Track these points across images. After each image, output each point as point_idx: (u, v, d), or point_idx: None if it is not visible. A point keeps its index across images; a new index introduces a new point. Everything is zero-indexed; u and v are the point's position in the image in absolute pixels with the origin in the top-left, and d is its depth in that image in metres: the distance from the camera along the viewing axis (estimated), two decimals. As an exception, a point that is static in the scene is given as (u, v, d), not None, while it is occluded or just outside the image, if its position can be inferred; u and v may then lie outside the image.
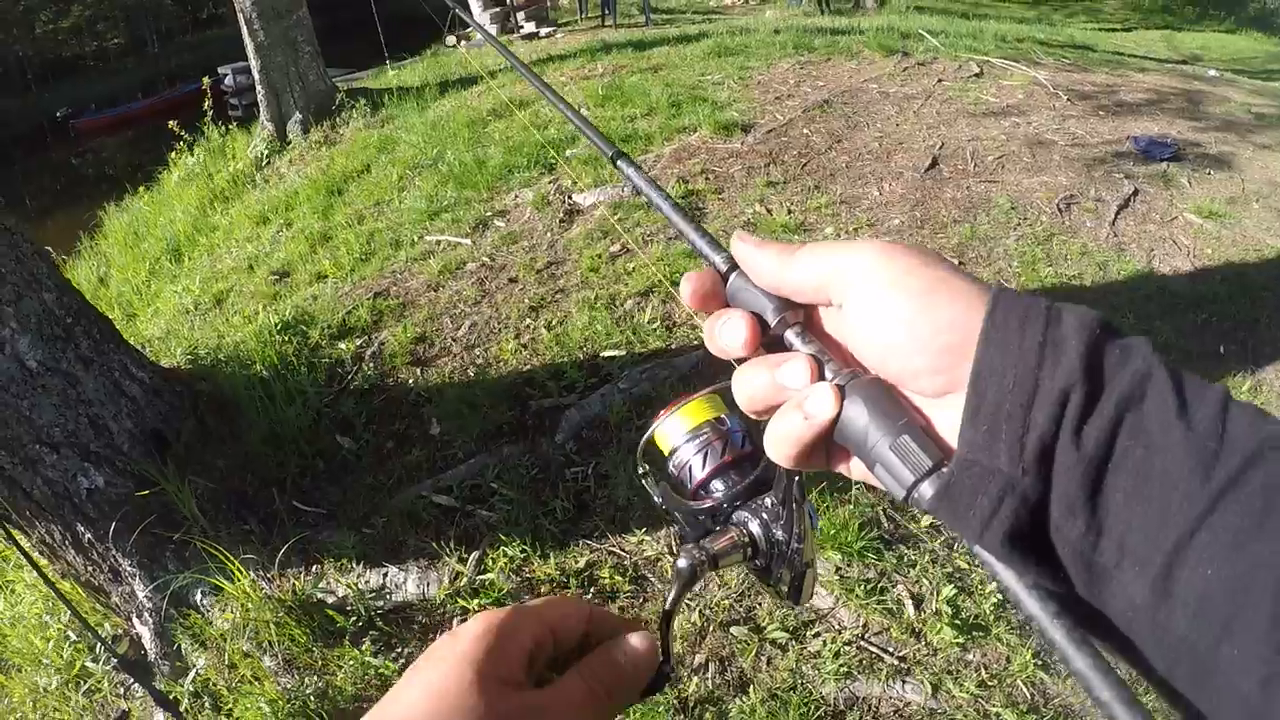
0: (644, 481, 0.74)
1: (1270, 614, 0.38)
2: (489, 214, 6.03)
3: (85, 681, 3.56)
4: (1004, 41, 10.20)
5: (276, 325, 4.85)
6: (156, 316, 6.24)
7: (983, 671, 2.79)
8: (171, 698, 3.10)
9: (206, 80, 10.61)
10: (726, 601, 3.03)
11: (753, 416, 0.57)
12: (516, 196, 6.20)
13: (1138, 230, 5.34)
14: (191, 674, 3.26)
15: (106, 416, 3.59)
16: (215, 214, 8.43)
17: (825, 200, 5.61)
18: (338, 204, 7.10)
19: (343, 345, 4.67)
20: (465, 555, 3.31)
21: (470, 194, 6.36)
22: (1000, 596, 2.97)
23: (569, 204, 5.82)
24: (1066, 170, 6.05)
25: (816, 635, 2.91)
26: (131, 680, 3.45)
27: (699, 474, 0.71)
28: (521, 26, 13.83)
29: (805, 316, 0.56)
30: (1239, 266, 5.00)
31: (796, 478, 0.63)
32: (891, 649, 2.86)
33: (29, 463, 3.36)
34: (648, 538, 3.30)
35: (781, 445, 0.53)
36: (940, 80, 8.14)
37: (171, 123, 10.03)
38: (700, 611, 3.00)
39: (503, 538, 3.31)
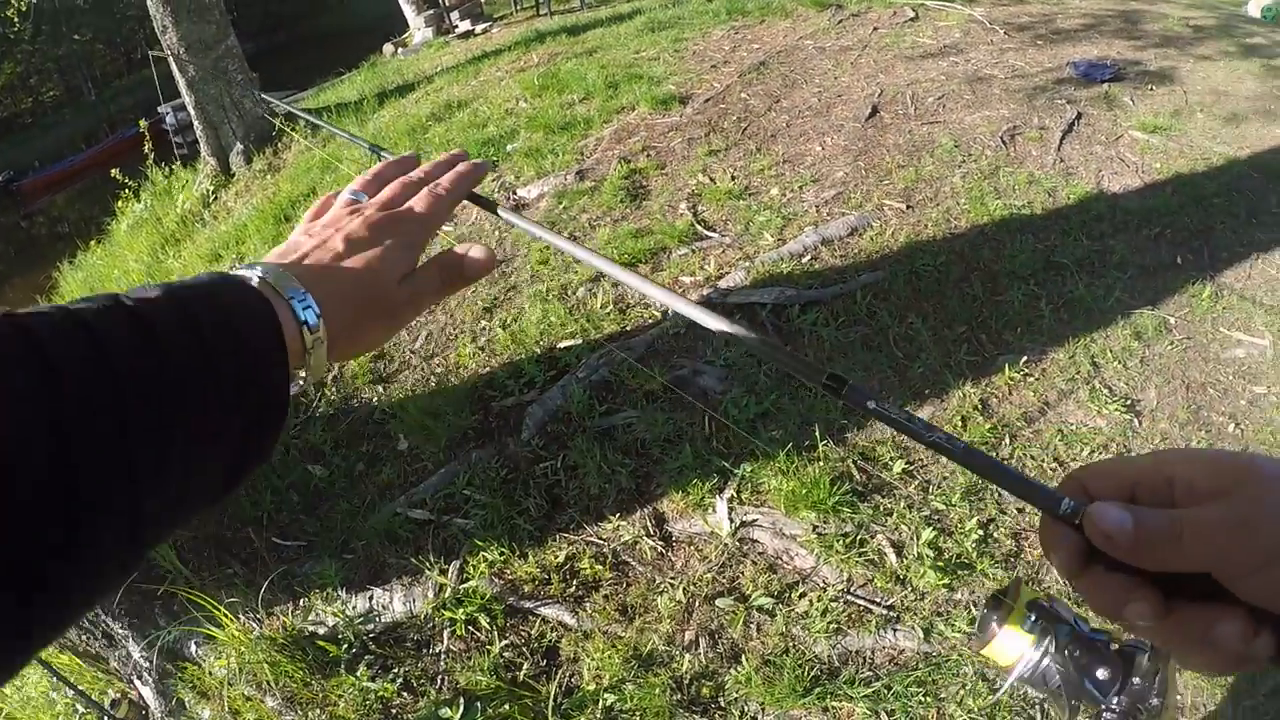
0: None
1: None
2: (436, 220, 5.95)
3: (99, 751, 3.55)
4: (937, -17, 10.14)
5: (235, 362, 4.80)
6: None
7: (972, 609, 2.80)
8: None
9: (143, 123, 10.49)
10: (709, 575, 3.02)
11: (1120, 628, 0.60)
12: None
13: (1084, 153, 5.33)
14: (198, 726, 3.25)
15: (74, 478, 3.54)
16: (168, 257, 8.33)
17: (768, 162, 5.58)
18: (286, 230, 6.98)
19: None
20: (446, 566, 3.29)
21: (416, 203, 6.27)
22: (982, 532, 2.98)
23: (514, 198, 5.77)
24: (1008, 102, 6.03)
25: (802, 596, 2.91)
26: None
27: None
28: (456, 26, 13.68)
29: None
30: (1188, 177, 4.99)
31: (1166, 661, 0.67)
32: (879, 599, 2.86)
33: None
34: (623, 522, 3.28)
35: (1208, 673, 0.60)
36: (875, 29, 8.08)
37: (114, 171, 9.92)
38: (684, 588, 2.99)
39: (480, 543, 3.29)
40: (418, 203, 0.82)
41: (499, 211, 0.92)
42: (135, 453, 0.50)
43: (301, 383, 0.69)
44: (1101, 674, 0.77)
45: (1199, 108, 5.86)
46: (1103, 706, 0.76)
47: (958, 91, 6.28)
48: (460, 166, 0.89)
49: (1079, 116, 5.74)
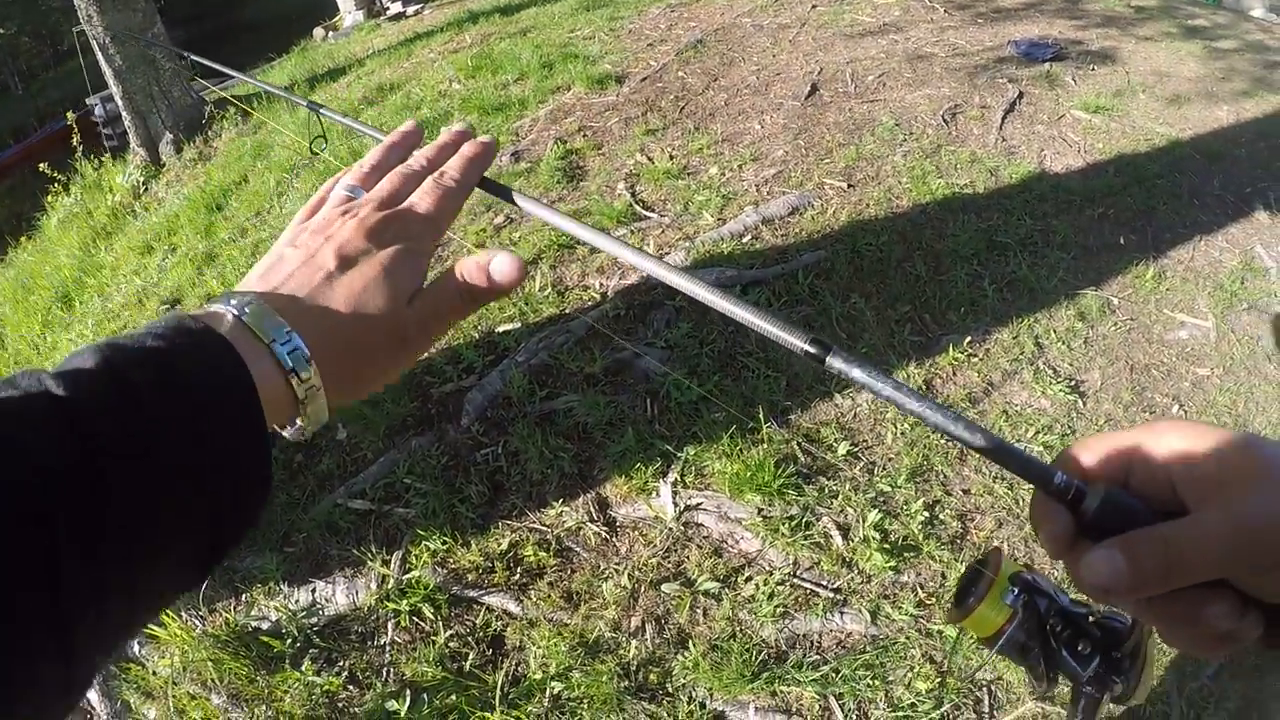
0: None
1: None
2: (371, 205, 5.85)
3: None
4: (876, -39, 10.16)
5: (169, 357, 4.68)
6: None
7: (919, 591, 2.79)
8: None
9: (71, 115, 10.24)
10: (654, 560, 2.97)
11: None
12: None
13: (1026, 132, 5.35)
14: (145, 727, 3.16)
15: (11, 482, 3.46)
16: (100, 252, 8.12)
17: (706, 141, 5.53)
18: (219, 220, 6.86)
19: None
20: (388, 557, 3.21)
21: (350, 187, 6.16)
22: (928, 514, 2.97)
23: (449, 181, 5.68)
24: (949, 81, 6.03)
25: (748, 580, 2.88)
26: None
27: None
28: (387, 8, 13.48)
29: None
30: (1131, 158, 5.03)
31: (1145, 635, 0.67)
32: (825, 582, 2.84)
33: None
34: (566, 508, 3.22)
35: (1193, 652, 0.54)
36: (814, 6, 8.04)
37: (41, 165, 9.68)
38: (629, 574, 2.94)
39: (422, 533, 3.22)
40: (422, 198, 0.71)
41: (516, 199, 0.79)
42: (65, 565, 0.42)
43: (299, 431, 0.62)
44: (1081, 647, 0.75)
45: (1141, 88, 5.91)
46: (1082, 680, 0.74)
47: (898, 70, 6.28)
48: (466, 149, 0.78)
49: (1021, 96, 5.76)
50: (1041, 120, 5.48)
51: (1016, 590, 0.79)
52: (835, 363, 0.60)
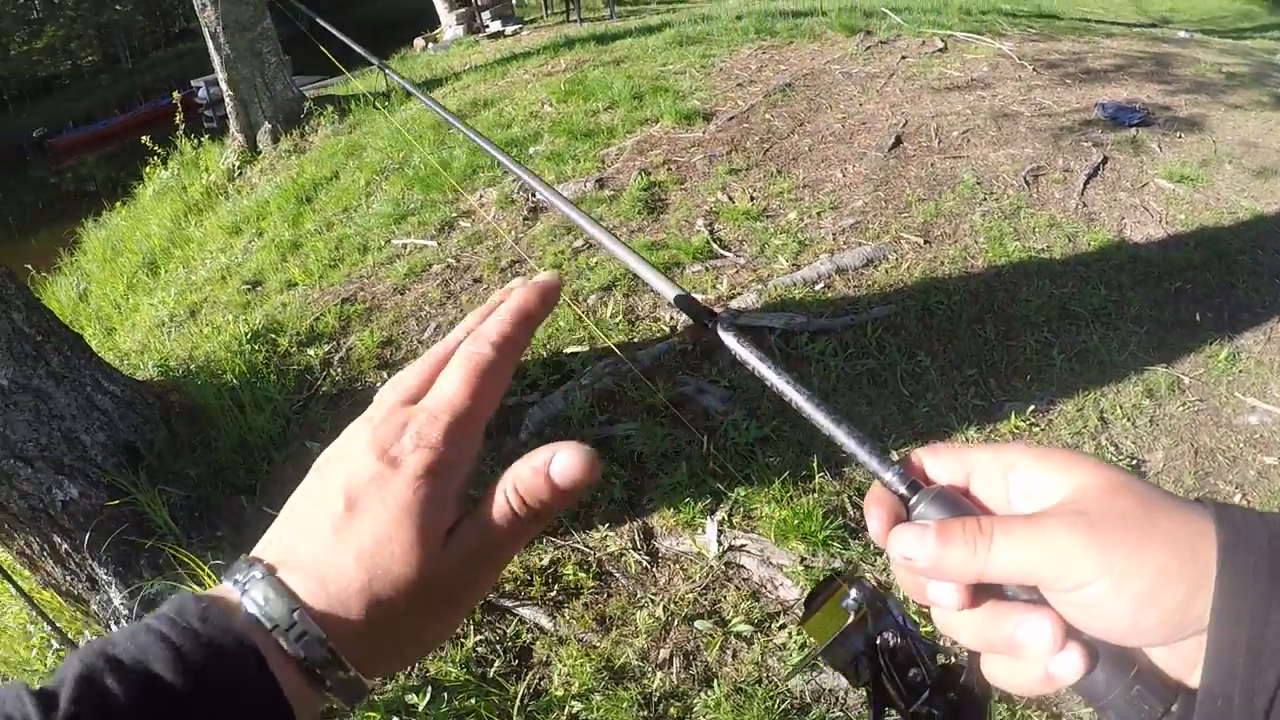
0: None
1: None
2: (454, 215, 5.97)
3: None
4: (968, 15, 10.05)
5: (246, 335, 4.83)
6: (134, 329, 6.20)
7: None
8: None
9: (176, 94, 10.58)
10: (691, 595, 2.99)
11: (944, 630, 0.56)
12: (481, 196, 6.13)
13: (1108, 199, 5.29)
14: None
15: (79, 430, 3.62)
16: (189, 226, 8.38)
17: (788, 185, 5.56)
18: (307, 212, 7.04)
19: (311, 351, 4.64)
20: (432, 555, 3.26)
21: (436, 196, 6.29)
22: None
23: (533, 201, 5.77)
24: (1033, 141, 5.99)
25: (782, 628, 2.88)
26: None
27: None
28: (487, 26, 13.72)
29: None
30: (1213, 231, 4.94)
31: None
32: (859, 640, 2.82)
33: (4, 477, 3.39)
34: (610, 533, 3.26)
35: (1012, 690, 0.52)
36: (904, 57, 8.05)
37: (144, 137, 9.99)
38: (664, 606, 2.96)
39: (467, 537, 3.27)
40: (446, 379, 0.54)
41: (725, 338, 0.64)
42: None
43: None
44: (914, 674, 0.73)
45: (1228, 159, 5.82)
46: (906, 712, 0.73)
47: (983, 127, 6.26)
48: (515, 297, 0.58)
49: (1105, 161, 5.70)
50: (1124, 187, 5.42)
51: (853, 594, 0.77)
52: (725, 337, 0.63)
